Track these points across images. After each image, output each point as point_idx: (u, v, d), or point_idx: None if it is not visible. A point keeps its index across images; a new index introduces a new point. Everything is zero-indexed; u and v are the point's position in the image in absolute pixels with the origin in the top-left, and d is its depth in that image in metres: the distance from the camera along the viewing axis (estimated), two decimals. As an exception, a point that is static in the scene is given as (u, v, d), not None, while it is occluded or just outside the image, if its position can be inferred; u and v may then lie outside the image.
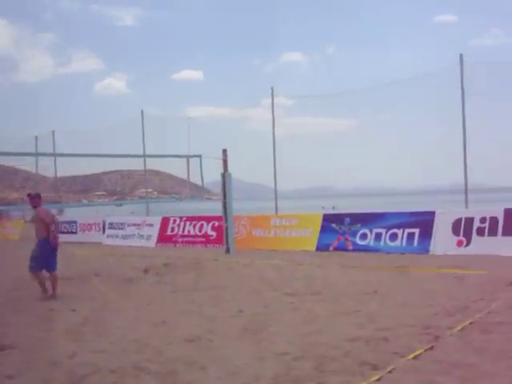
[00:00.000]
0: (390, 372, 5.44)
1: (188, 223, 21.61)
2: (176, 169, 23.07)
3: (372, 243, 16.56)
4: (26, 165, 33.62)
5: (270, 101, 21.99)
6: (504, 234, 14.37)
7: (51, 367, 6.18)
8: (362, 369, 5.61)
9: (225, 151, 18.63)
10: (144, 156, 24.63)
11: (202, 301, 9.85)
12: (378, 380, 5.26)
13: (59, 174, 33.27)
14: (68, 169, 33.25)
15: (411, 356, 5.89)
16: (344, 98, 22.42)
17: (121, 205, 46.52)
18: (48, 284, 11.06)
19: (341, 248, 17.09)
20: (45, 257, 10.97)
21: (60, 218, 28.70)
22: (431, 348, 6.15)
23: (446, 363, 5.61)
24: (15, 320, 8.89)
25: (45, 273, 11.07)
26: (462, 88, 17.23)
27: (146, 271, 14.14)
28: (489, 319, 7.41)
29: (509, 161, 19.33)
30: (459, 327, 6.99)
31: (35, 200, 11.24)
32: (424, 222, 15.84)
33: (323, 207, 52.62)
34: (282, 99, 22.77)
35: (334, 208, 46.45)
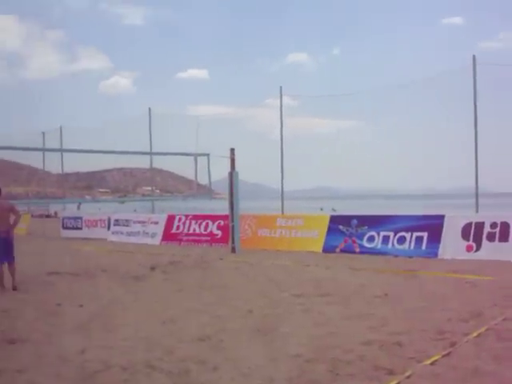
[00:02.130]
0: (407, 377, 5.33)
1: (193, 221, 21.51)
2: (181, 167, 23.03)
3: (379, 246, 16.43)
4: (33, 160, 33.67)
5: (274, 101, 21.95)
6: (515, 240, 14.22)
7: (61, 362, 6.13)
8: (378, 373, 5.50)
9: (232, 150, 18.54)
10: (151, 153, 24.52)
11: (209, 300, 9.75)
12: (396, 385, 5.17)
13: (65, 170, 33.24)
14: (73, 165, 33.20)
15: (428, 362, 5.78)
16: (348, 99, 22.41)
17: (123, 202, 46.54)
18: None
19: (348, 250, 16.96)
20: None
21: (65, 214, 28.78)
22: (448, 354, 6.04)
23: (465, 370, 5.49)
24: (24, 314, 8.84)
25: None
26: (475, 90, 17.04)
27: (152, 269, 14.06)
28: (505, 326, 7.29)
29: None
30: (475, 334, 6.87)
31: None
32: (433, 226, 15.68)
33: (322, 209, 52.47)
34: (286, 99, 22.67)
35: (334, 210, 46.13)
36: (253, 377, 5.51)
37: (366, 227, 16.94)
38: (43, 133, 30.06)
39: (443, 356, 5.97)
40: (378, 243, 16.50)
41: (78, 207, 47.82)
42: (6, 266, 11.48)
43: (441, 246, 15.20)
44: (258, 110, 30.00)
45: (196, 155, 17.21)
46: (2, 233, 11.30)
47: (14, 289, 11.22)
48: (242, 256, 16.77)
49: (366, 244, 16.74)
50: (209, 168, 17.35)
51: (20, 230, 28.82)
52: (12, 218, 11.76)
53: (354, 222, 17.30)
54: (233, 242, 18.23)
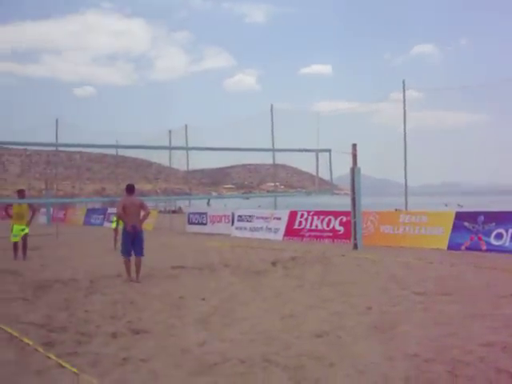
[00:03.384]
0: (531, 382, 5.13)
1: (316, 217, 21.56)
2: (303, 163, 23.13)
3: (508, 244, 15.76)
4: (160, 158, 34.90)
5: (398, 94, 21.46)
6: None
7: (182, 353, 6.35)
8: (500, 377, 5.32)
9: (354, 145, 18.42)
10: (273, 150, 24.78)
11: (329, 296, 9.76)
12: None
13: (190, 167, 34.22)
14: (198, 162, 34.07)
15: (554, 366, 5.53)
16: (476, 91, 21.58)
17: (248, 198, 47.29)
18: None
19: (474, 248, 16.40)
20: (127, 242, 12.25)
21: (191, 210, 29.67)
22: None
23: None
24: (149, 306, 9.23)
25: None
26: None
27: (273, 264, 14.23)
28: None
29: None
30: None
31: (126, 190, 12.77)
32: None
33: (446, 205, 50.85)
34: (411, 92, 22.13)
35: (460, 206, 44.59)
36: (368, 374, 5.49)
37: (494, 224, 16.30)
38: (170, 131, 31.04)
39: None
40: (506, 241, 15.84)
41: (208, 203, 49.07)
42: (133, 258, 12.25)
43: None
44: (382, 104, 29.56)
45: (317, 151, 17.22)
46: (134, 227, 12.16)
47: (136, 281, 11.89)
48: (364, 252, 16.64)
49: (493, 241, 16.12)
50: (330, 164, 17.30)
51: (147, 226, 30.09)
52: (142, 214, 12.59)
53: (481, 218, 16.69)
54: (355, 239, 18.12)
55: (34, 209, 17.42)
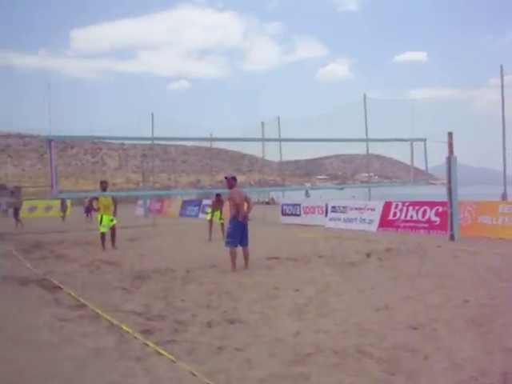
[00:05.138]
0: None
1: (411, 208, 21.19)
2: (398, 153, 22.80)
3: None
4: (253, 150, 35.26)
5: (496, 80, 20.78)
6: None
7: (276, 343, 6.43)
8: None
9: (450, 134, 17.96)
10: (367, 140, 24.53)
11: (425, 288, 9.59)
12: None
13: (283, 159, 34.37)
14: (291, 153, 34.19)
15: None
16: None
17: (342, 189, 47.02)
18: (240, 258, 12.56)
19: None
20: (236, 233, 12.54)
21: (284, 201, 29.82)
22: None
23: None
24: (244, 296, 9.39)
25: (239, 248, 12.65)
26: None
27: (368, 255, 14.12)
28: None
29: None
30: None
31: (230, 182, 13.00)
32: None
33: None
34: (510, 78, 21.35)
35: None
36: (465, 368, 5.38)
37: None
38: (262, 123, 31.28)
39: None
40: None
41: (307, 194, 49.19)
42: (239, 248, 12.67)
43: None
44: (479, 90, 28.71)
45: (412, 140, 16.90)
46: (241, 218, 12.62)
47: (246, 268, 12.45)
48: (461, 244, 16.22)
49: None
50: (425, 153, 16.93)
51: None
52: (245, 206, 13.04)
53: None
54: (451, 230, 17.69)
55: (116, 201, 18.02)
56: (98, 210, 17.72)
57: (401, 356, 5.80)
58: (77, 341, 6.80)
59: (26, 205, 46.73)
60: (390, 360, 5.69)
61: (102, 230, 17.55)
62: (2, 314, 8.48)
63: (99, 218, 17.61)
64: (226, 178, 13.32)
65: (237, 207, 12.66)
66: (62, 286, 10.63)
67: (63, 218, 37.65)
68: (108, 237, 17.57)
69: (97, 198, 18.06)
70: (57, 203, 41.63)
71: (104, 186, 17.98)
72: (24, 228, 29.21)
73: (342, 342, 6.38)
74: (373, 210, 22.82)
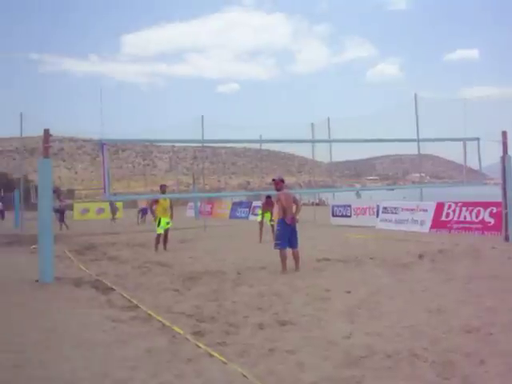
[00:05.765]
0: None
1: (464, 209, 20.82)
2: (450, 152, 22.42)
3: None
4: (303, 151, 35.22)
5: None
6: None
7: (328, 345, 6.38)
8: None
9: (504, 133, 17.58)
10: (418, 140, 24.20)
11: (479, 291, 9.40)
12: None
13: (333, 159, 34.20)
14: (341, 154, 34.01)
15: None
16: None
17: (393, 189, 46.50)
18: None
19: None
20: (285, 235, 12.48)
21: (334, 202, 29.67)
22: None
23: None
24: (295, 298, 9.36)
25: (288, 250, 12.56)
26: None
27: (420, 257, 13.92)
28: None
29: None
30: None
31: (278, 184, 12.98)
32: None
33: None
34: None
35: None
36: (523, 373, 5.26)
37: None
38: (312, 124, 31.20)
39: None
40: None
41: (358, 195, 48.95)
42: (290, 250, 12.61)
43: None
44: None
45: (465, 140, 16.63)
46: (288, 220, 12.55)
47: (296, 271, 12.38)
48: (517, 245, 15.87)
49: None
50: (479, 153, 16.65)
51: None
52: (294, 208, 12.97)
53: None
54: (506, 230, 17.31)
55: (172, 204, 18.36)
56: (155, 212, 18.06)
57: (455, 360, 5.69)
58: (129, 341, 6.88)
59: (78, 207, 47.84)
60: (444, 364, 5.58)
61: (159, 231, 17.85)
62: (56, 315, 8.64)
63: (157, 220, 17.87)
64: (273, 180, 13.31)
65: (284, 209, 12.64)
66: (114, 288, 10.78)
67: (114, 220, 38.28)
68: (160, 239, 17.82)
69: (157, 201, 18.32)
70: (108, 205, 42.29)
71: (164, 189, 18.38)
72: (69, 231, 29.69)
73: (394, 345, 6.29)
74: (425, 210, 22.51)
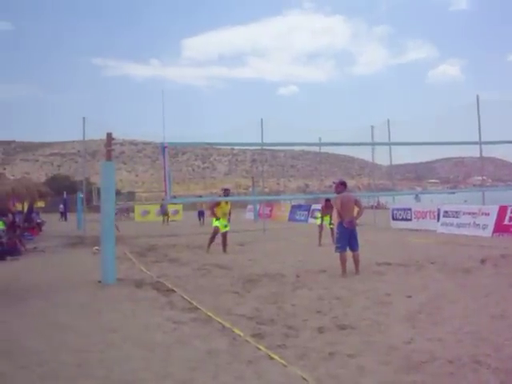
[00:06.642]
0: None
1: (528, 213, 20.31)
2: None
3: None
4: (363, 153, 35.02)
5: None
6: None
7: (389, 350, 6.34)
8: None
9: None
10: (480, 143, 23.76)
11: (545, 297, 9.19)
12: None
13: (393, 162, 33.86)
14: (401, 157, 33.62)
15: None
16: None
17: (454, 193, 45.72)
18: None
19: None
20: (344, 238, 12.47)
21: (395, 205, 29.37)
22: None
23: None
24: (355, 302, 9.33)
25: (349, 252, 12.56)
26: None
27: (482, 261, 13.65)
28: None
29: None
30: None
31: (338, 187, 12.97)
32: None
33: None
34: None
35: None
36: None
37: None
38: (372, 126, 30.97)
39: None
40: None
41: (416, 198, 48.33)
42: (349, 253, 12.60)
43: None
44: None
45: (528, 142, 16.26)
46: (351, 223, 12.56)
47: (356, 274, 12.35)
48: None
49: None
50: (544, 156, 16.28)
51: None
52: (356, 211, 13.05)
53: None
54: None
55: (230, 208, 18.50)
56: (215, 215, 18.09)
57: (520, 367, 5.59)
58: (190, 343, 6.99)
59: (139, 209, 48.82)
60: (508, 371, 5.48)
61: (216, 224, 17.91)
62: (118, 315, 8.84)
63: (215, 221, 18.01)
64: (334, 182, 13.31)
65: (340, 212, 12.61)
66: (175, 289, 10.94)
67: (167, 222, 38.82)
68: (218, 240, 17.90)
69: (218, 204, 18.31)
70: (170, 208, 42.83)
71: (227, 193, 18.67)
72: (119, 232, 30.14)
73: (456, 350, 6.21)
74: (487, 214, 22.05)
